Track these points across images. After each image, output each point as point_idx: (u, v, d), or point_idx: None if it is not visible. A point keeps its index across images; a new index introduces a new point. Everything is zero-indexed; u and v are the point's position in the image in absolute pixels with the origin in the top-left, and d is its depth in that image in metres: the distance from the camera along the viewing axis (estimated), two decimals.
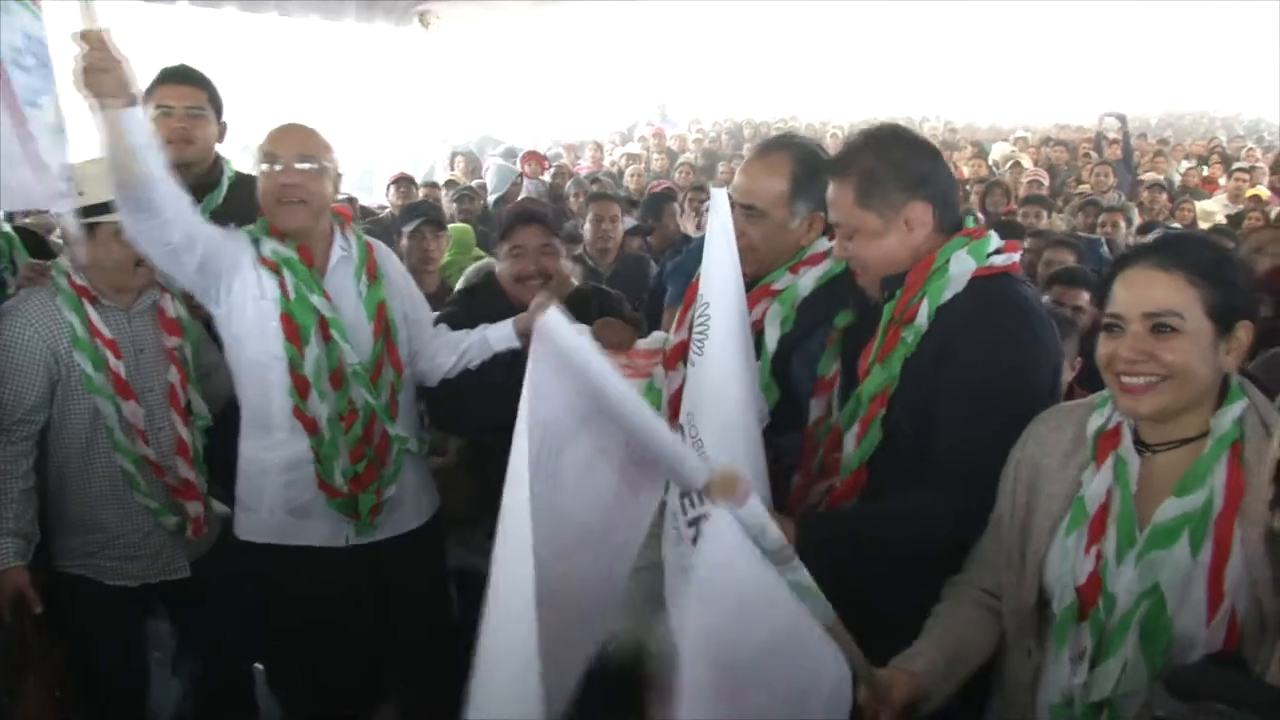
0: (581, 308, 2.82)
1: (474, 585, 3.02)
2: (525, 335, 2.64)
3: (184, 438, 2.63)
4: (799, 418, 2.19)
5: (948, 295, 1.84)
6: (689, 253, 2.79)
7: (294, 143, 2.53)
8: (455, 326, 2.88)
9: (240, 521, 2.67)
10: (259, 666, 3.04)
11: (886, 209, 1.89)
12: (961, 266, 1.86)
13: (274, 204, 2.52)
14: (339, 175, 2.64)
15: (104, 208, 2.38)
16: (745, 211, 2.22)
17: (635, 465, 1.54)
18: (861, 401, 1.93)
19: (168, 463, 2.61)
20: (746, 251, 2.20)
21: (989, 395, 1.78)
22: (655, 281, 3.26)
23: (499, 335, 2.71)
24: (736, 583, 1.32)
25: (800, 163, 2.22)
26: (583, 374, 1.40)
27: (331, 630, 2.66)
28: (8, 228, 2.93)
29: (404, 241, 4.29)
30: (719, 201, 2.02)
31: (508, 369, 2.62)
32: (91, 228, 2.46)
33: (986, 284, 1.86)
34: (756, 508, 1.34)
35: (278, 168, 2.50)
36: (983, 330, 1.81)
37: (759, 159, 2.29)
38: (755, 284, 2.31)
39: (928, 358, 1.84)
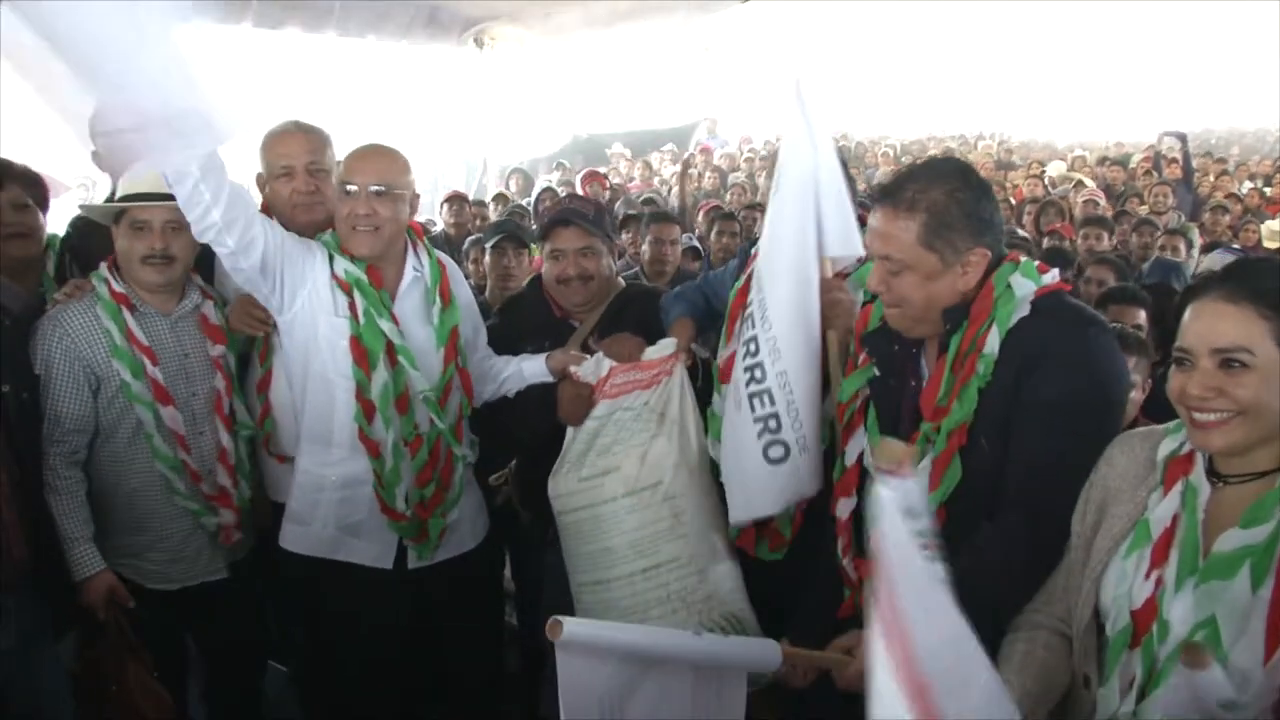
0: (627, 308, 2.88)
1: (532, 600, 3.07)
2: (557, 373, 2.71)
3: (225, 445, 2.65)
4: None
5: (1015, 320, 1.83)
6: (695, 287, 2.87)
7: (372, 169, 2.51)
8: (494, 331, 2.92)
9: (288, 533, 2.67)
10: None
11: (950, 252, 1.85)
12: (1023, 289, 1.85)
13: (348, 230, 2.52)
14: (416, 197, 2.64)
15: (135, 196, 2.45)
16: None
17: (710, 675, 1.69)
18: (939, 438, 1.88)
19: (207, 468, 2.63)
20: None
21: (1068, 415, 1.77)
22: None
23: (533, 370, 2.77)
24: (900, 558, 1.24)
25: None
26: (622, 647, 1.59)
27: (372, 650, 2.66)
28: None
29: (485, 257, 4.31)
30: (802, 93, 2.33)
31: (542, 397, 2.71)
32: (118, 215, 2.51)
33: (1049, 302, 1.85)
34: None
35: (351, 189, 2.49)
36: (1058, 347, 1.80)
37: None
38: None
39: (1004, 382, 1.82)
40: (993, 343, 1.83)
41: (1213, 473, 1.53)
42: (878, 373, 2.05)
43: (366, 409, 2.52)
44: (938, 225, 1.83)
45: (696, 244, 5.66)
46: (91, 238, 2.86)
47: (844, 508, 2.11)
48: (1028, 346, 1.81)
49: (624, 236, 5.52)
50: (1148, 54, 20.80)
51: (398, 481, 2.57)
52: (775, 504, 2.33)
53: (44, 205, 2.95)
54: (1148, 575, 1.52)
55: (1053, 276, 1.90)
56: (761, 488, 2.33)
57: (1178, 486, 1.55)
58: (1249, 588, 1.41)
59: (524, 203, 7.93)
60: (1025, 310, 1.84)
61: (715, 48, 15.56)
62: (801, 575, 2.29)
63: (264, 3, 7.48)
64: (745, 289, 2.50)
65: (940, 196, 1.84)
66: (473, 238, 5.43)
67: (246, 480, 2.72)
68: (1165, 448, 1.60)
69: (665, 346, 2.62)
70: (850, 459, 2.10)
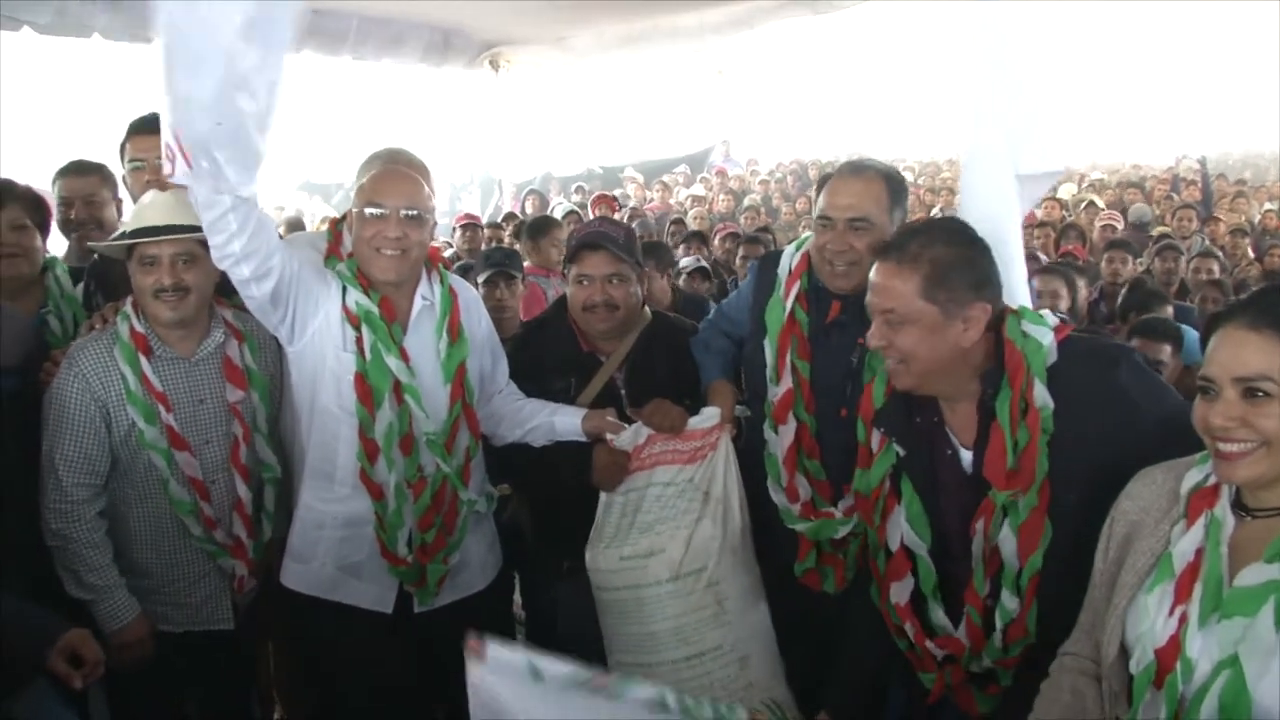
0: (654, 343, 2.79)
1: (545, 631, 2.99)
2: (592, 435, 2.61)
3: (242, 496, 2.55)
4: None
5: (1050, 364, 1.86)
6: (717, 329, 2.79)
7: (402, 191, 2.41)
8: (517, 362, 2.82)
9: (289, 571, 2.58)
10: None
11: (951, 305, 1.84)
12: (1045, 337, 1.88)
13: (371, 252, 2.41)
14: (435, 224, 2.56)
15: (141, 232, 2.40)
16: (854, 224, 2.39)
17: None
18: (1025, 501, 1.86)
19: (219, 515, 2.53)
20: (854, 265, 2.39)
21: (1180, 426, 1.72)
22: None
23: (565, 427, 2.64)
24: None
25: (888, 177, 2.46)
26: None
27: (377, 692, 2.55)
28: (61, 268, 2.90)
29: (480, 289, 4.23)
30: None
31: (575, 459, 2.62)
32: (130, 250, 2.43)
33: (1074, 345, 1.89)
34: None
35: (379, 212, 2.39)
36: (1137, 392, 1.84)
37: (858, 179, 2.44)
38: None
39: (1063, 429, 1.83)
40: (1042, 394, 1.84)
41: (1239, 506, 1.48)
42: (901, 451, 2.02)
43: (369, 449, 2.43)
44: (939, 278, 1.84)
45: (706, 266, 5.49)
46: (115, 264, 2.81)
47: (900, 592, 2.04)
48: (1100, 397, 1.82)
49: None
50: (1165, 76, 20.76)
51: (400, 525, 2.47)
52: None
53: (44, 227, 2.88)
54: (1171, 611, 1.47)
55: (1052, 317, 1.93)
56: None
57: (1201, 519, 1.50)
58: (1272, 625, 1.36)
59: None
60: (1054, 356, 1.86)
61: (728, 71, 15.61)
62: (835, 643, 2.27)
63: None
64: (791, 320, 2.48)
65: (942, 251, 1.86)
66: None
67: (263, 527, 2.62)
68: (1190, 480, 1.56)
69: (709, 417, 2.54)
70: (894, 544, 2.04)
